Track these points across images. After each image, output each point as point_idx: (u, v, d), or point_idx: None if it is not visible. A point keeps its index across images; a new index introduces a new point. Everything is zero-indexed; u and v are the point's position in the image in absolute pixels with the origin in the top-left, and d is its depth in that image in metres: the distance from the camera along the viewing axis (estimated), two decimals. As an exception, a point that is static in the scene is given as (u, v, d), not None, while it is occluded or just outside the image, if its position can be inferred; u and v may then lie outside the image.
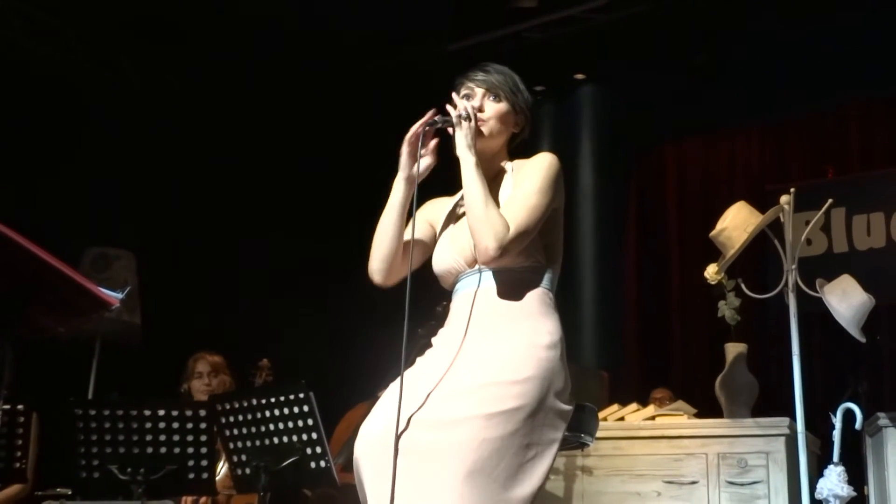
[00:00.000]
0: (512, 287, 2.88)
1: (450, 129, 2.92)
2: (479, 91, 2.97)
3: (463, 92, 2.99)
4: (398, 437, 2.66)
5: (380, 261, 2.98)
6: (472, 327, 2.85)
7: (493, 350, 2.80)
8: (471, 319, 2.87)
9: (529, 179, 2.88)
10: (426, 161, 2.97)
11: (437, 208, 3.12)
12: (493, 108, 2.96)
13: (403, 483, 2.64)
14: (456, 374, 2.77)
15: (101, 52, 6.96)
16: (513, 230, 2.77)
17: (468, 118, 2.88)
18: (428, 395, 2.73)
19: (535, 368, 2.76)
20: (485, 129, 2.94)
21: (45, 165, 6.39)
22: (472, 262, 2.93)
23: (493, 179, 2.99)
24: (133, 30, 6.83)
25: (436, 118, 2.92)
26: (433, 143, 2.96)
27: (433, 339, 2.98)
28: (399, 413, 2.67)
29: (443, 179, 3.04)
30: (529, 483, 2.70)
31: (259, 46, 6.91)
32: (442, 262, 2.98)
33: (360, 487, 2.75)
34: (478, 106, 2.94)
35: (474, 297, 2.90)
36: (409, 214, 2.97)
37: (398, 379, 2.83)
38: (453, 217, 3.05)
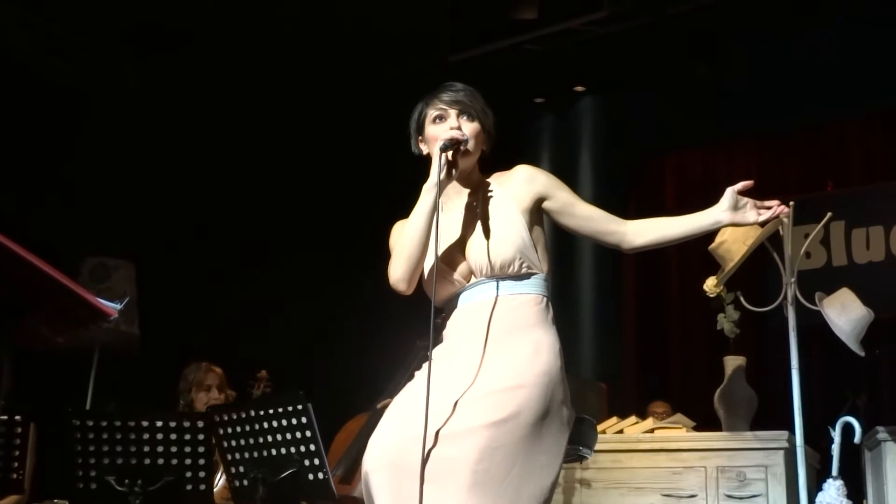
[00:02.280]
0: (515, 298, 2.91)
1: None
2: (453, 112, 2.98)
3: (434, 113, 3.00)
4: (424, 463, 2.64)
5: (410, 269, 2.94)
6: (475, 340, 2.86)
7: (495, 360, 2.81)
8: (473, 332, 2.88)
9: (567, 191, 3.06)
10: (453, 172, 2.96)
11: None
12: (471, 129, 2.97)
13: (410, 498, 2.64)
14: (462, 387, 2.77)
15: (101, 60, 6.96)
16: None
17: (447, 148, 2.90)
18: (436, 410, 2.72)
19: (535, 375, 2.78)
20: (470, 148, 2.96)
21: (44, 174, 6.38)
22: (469, 276, 2.94)
23: (474, 195, 3.01)
24: (133, 37, 6.83)
25: (463, 136, 2.94)
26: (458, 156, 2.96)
27: (433, 353, 2.97)
28: (426, 431, 2.65)
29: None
30: (542, 490, 2.70)
31: (259, 55, 6.91)
32: (437, 279, 2.96)
33: (367, 500, 2.74)
34: (456, 126, 2.95)
35: (475, 310, 2.91)
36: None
37: (401, 392, 2.85)
38: (437, 233, 3.01)
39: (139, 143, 6.77)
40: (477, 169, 3.06)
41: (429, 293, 2.99)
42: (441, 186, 2.90)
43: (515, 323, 2.88)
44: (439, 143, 2.88)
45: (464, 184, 3.03)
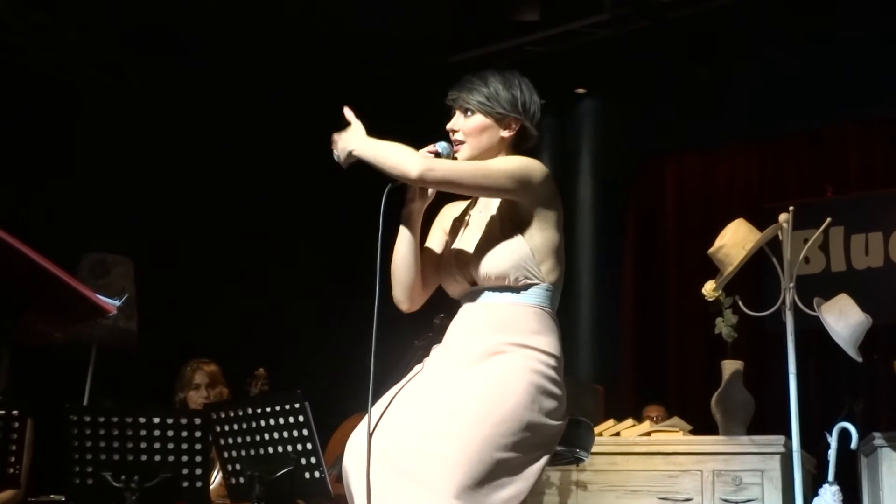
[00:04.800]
0: (510, 304, 2.88)
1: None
2: (457, 111, 2.98)
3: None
4: (369, 451, 2.71)
5: (402, 291, 3.01)
6: (467, 343, 2.86)
7: (485, 366, 2.80)
8: (466, 335, 2.88)
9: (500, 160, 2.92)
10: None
11: (450, 216, 3.13)
12: (467, 125, 2.96)
13: (391, 496, 2.66)
14: (448, 388, 2.77)
15: (101, 58, 6.96)
16: (432, 166, 2.79)
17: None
18: (420, 408, 2.74)
19: (524, 385, 2.75)
20: (466, 151, 2.94)
21: (43, 170, 6.38)
22: (473, 280, 2.93)
23: None
24: (133, 35, 6.83)
25: (437, 149, 2.92)
26: None
27: (431, 351, 2.99)
28: (370, 430, 2.72)
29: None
30: (523, 493, 2.70)
31: (259, 54, 6.91)
32: (447, 276, 3.01)
33: (349, 497, 2.76)
34: (451, 128, 2.96)
35: (472, 314, 2.91)
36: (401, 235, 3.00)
37: (392, 390, 2.87)
38: (461, 228, 3.04)
39: (139, 140, 6.77)
40: None
41: (447, 291, 3.04)
42: (415, 212, 2.96)
43: (510, 329, 2.84)
44: (388, 186, 2.88)
45: None
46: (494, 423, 2.67)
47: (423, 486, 2.61)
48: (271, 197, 7.34)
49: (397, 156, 2.79)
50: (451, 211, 3.13)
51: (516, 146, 3.01)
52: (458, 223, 3.06)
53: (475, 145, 2.94)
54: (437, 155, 2.91)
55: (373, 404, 2.75)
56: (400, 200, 2.95)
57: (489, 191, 2.87)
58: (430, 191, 2.97)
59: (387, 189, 2.86)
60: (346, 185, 7.45)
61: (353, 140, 2.89)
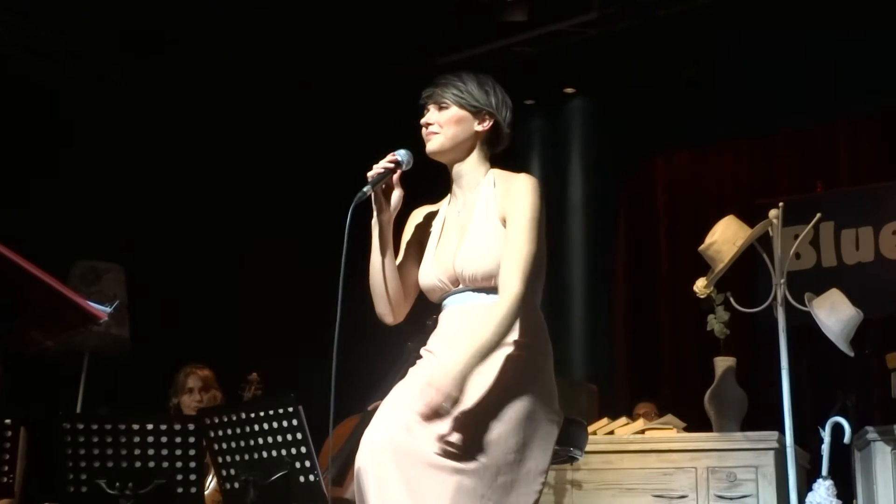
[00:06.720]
0: (495, 304, 2.87)
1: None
2: (431, 107, 2.99)
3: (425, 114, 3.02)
4: (329, 458, 2.72)
5: (384, 304, 3.05)
6: (460, 344, 2.86)
7: (481, 366, 2.79)
8: (456, 339, 2.87)
9: (518, 219, 2.85)
10: (396, 195, 2.99)
11: (423, 220, 3.12)
12: (442, 117, 2.96)
13: (403, 492, 2.66)
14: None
15: (91, 64, 6.95)
16: (520, 285, 2.75)
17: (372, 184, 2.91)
18: (418, 409, 2.75)
19: (523, 383, 2.77)
20: (439, 140, 2.96)
21: (33, 177, 6.37)
22: (456, 282, 2.93)
23: (474, 194, 3.00)
24: (122, 41, 6.82)
25: (397, 157, 2.95)
26: (396, 176, 2.97)
27: (422, 351, 3.00)
28: (331, 427, 2.84)
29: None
30: (528, 495, 2.71)
31: (249, 59, 6.91)
32: (427, 280, 3.01)
33: (359, 497, 2.75)
34: (426, 121, 2.98)
35: (458, 318, 2.91)
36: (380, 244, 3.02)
37: (392, 391, 2.91)
38: (438, 231, 3.04)
39: (128, 145, 6.75)
40: (481, 159, 3.02)
41: (428, 296, 3.03)
42: (384, 223, 2.97)
43: None
44: (367, 187, 2.89)
45: (466, 179, 3.01)
46: (498, 421, 2.68)
47: (433, 486, 2.63)
48: (264, 201, 7.33)
49: (500, 325, 2.73)
50: (423, 215, 3.13)
51: (491, 146, 3.03)
52: (434, 227, 3.05)
53: (449, 135, 2.96)
54: (398, 164, 2.94)
55: (334, 421, 2.86)
56: (367, 213, 2.97)
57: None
58: (397, 199, 2.98)
59: (353, 203, 2.87)
60: (338, 191, 7.46)
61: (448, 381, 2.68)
